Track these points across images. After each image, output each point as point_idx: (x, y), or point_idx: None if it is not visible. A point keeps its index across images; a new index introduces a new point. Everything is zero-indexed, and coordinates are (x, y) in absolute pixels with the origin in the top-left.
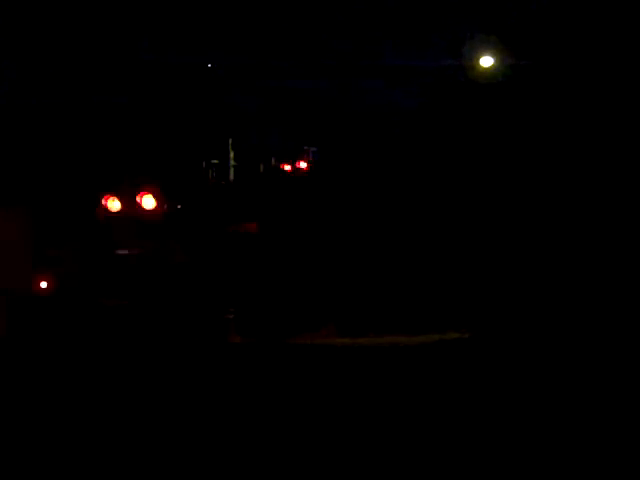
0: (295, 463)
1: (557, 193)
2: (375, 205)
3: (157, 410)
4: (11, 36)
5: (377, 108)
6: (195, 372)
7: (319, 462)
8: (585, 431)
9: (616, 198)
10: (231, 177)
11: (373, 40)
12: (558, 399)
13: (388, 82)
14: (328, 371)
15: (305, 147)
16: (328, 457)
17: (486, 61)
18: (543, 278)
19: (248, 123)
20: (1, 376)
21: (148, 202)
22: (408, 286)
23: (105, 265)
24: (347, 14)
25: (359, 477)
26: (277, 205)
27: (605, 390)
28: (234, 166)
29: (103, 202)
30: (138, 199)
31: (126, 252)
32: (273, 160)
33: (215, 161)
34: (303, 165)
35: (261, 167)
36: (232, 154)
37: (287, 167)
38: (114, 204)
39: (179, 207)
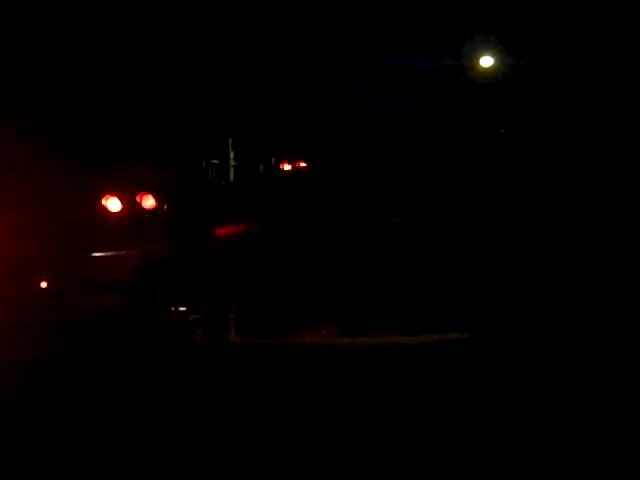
0: (295, 463)
1: (557, 193)
2: (375, 205)
3: (157, 410)
4: (11, 36)
5: (377, 108)
6: (195, 372)
7: (319, 462)
8: (586, 431)
9: (616, 198)
10: (231, 177)
11: (373, 40)
12: (559, 399)
13: (388, 82)
14: (328, 371)
15: (305, 147)
16: (328, 457)
17: (486, 61)
18: (543, 278)
19: (248, 123)
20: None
21: (148, 202)
22: (408, 286)
23: (105, 265)
24: (347, 14)
25: (359, 477)
26: (277, 205)
27: (606, 390)
28: (234, 166)
29: (103, 202)
30: (138, 199)
31: (125, 252)
32: (273, 160)
33: (215, 161)
34: (303, 165)
35: (261, 167)
36: (232, 154)
37: (287, 167)
38: (114, 204)
39: (179, 207)
